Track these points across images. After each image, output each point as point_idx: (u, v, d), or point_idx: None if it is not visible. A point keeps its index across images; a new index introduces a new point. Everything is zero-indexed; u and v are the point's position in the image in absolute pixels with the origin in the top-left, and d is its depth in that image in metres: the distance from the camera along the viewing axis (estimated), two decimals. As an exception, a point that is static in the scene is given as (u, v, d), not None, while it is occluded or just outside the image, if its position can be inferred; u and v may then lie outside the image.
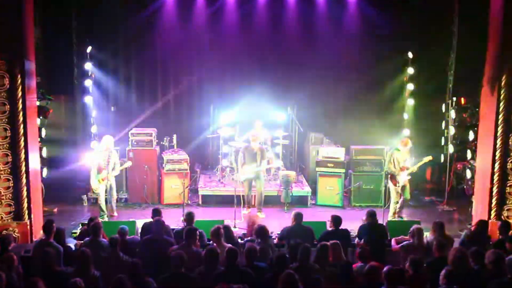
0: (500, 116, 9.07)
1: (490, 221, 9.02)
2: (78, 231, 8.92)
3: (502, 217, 9.16)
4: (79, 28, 10.92)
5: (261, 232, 7.40)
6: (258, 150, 10.65)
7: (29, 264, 7.03)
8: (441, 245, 6.95)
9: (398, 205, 10.21)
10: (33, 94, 9.38)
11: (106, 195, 10.36)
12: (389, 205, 10.40)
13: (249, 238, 8.01)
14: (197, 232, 7.23)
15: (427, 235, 7.80)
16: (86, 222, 8.44)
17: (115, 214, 10.62)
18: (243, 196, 10.76)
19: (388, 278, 5.81)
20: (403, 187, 10.20)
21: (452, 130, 11.80)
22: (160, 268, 6.56)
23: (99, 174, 10.28)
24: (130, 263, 6.24)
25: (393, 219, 10.05)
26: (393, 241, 8.13)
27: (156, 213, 8.19)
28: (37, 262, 6.69)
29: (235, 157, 11.54)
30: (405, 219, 10.18)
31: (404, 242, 7.68)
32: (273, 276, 6.07)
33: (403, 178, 10.11)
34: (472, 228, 8.05)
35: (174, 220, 9.70)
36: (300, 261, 6.42)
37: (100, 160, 10.29)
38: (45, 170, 10.72)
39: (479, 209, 9.65)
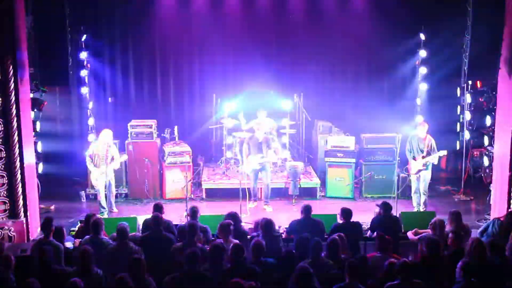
0: (519, 99, 8.94)
1: (510, 210, 8.76)
2: (76, 229, 8.80)
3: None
4: (73, 15, 10.73)
5: (267, 225, 7.31)
6: (263, 140, 10.50)
7: (27, 264, 6.88)
8: (458, 237, 6.86)
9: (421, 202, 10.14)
10: (26, 86, 9.29)
11: (105, 191, 10.24)
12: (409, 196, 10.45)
13: (254, 233, 7.86)
14: (198, 226, 7.11)
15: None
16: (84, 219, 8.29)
17: (115, 210, 10.54)
18: (249, 189, 10.60)
19: (402, 272, 5.79)
20: (419, 178, 10.06)
21: (468, 115, 11.64)
22: (160, 266, 6.49)
23: (97, 168, 10.08)
24: (133, 258, 6.11)
25: (408, 211, 9.89)
26: (409, 234, 8.07)
27: (158, 208, 8.03)
28: (36, 262, 6.61)
29: (239, 148, 11.40)
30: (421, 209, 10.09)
31: (423, 234, 7.57)
32: (281, 273, 6.11)
33: (416, 166, 9.99)
34: (502, 219, 7.80)
35: (177, 216, 9.69)
36: (313, 256, 6.35)
37: (99, 154, 10.10)
38: (40, 166, 10.70)
39: (497, 198, 9.51)
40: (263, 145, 10.45)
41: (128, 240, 6.96)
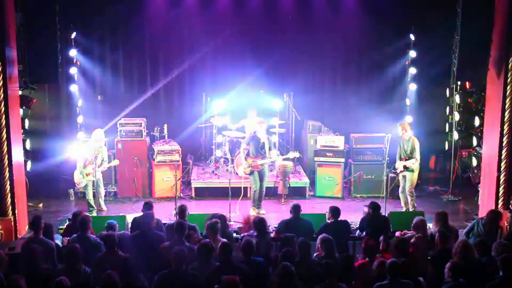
0: (507, 100, 8.92)
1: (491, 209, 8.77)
2: (65, 227, 8.71)
3: (510, 206, 9.06)
4: (62, 12, 10.62)
5: (260, 225, 7.30)
6: (265, 140, 10.31)
7: (15, 262, 6.85)
8: (444, 236, 6.87)
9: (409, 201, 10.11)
10: (15, 83, 9.29)
11: (93, 190, 10.20)
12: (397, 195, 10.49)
13: (245, 234, 7.81)
14: (186, 225, 7.06)
15: (429, 226, 7.84)
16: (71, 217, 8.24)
17: (104, 209, 10.48)
18: (249, 189, 10.50)
19: (391, 271, 5.81)
20: (404, 177, 10.08)
21: (456, 116, 11.64)
22: (152, 264, 6.48)
23: (84, 168, 10.11)
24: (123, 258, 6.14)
25: (397, 210, 9.96)
26: (397, 234, 7.97)
27: (147, 207, 8.03)
28: (23, 260, 6.63)
29: (228, 147, 11.25)
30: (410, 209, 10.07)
31: (406, 235, 7.60)
32: (271, 272, 6.18)
33: (398, 167, 10.07)
34: (485, 218, 7.79)
35: (166, 214, 9.67)
36: (301, 255, 6.37)
37: (88, 153, 10.10)
38: (29, 163, 10.53)
39: (485, 198, 9.59)
40: (266, 145, 10.25)
41: (117, 247, 6.80)
